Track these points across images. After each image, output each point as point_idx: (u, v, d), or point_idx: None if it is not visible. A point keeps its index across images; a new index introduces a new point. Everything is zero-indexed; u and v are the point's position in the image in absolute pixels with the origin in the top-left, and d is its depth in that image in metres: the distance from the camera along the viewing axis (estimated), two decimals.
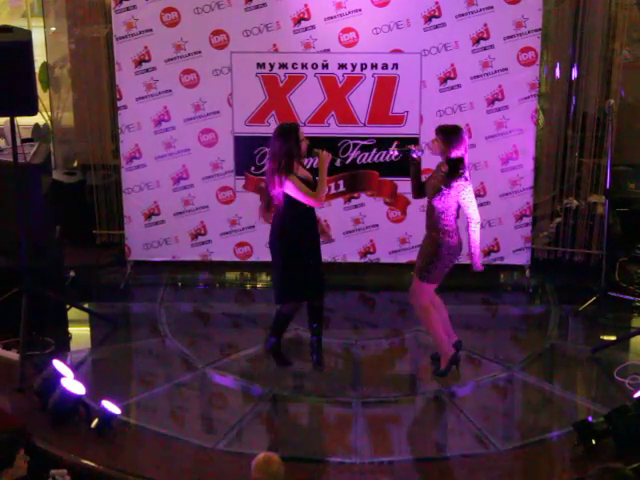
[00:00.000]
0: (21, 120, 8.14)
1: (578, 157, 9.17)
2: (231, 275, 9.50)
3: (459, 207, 7.38)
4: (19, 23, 10.23)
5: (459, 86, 8.78)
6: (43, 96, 9.59)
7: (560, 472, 6.92)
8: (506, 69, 8.73)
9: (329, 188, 8.74)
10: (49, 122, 10.09)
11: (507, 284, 9.31)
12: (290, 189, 7.32)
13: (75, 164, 10.10)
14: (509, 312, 9.06)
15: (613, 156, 8.55)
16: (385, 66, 8.75)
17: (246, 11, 8.71)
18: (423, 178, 7.67)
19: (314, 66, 8.77)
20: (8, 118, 7.74)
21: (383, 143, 8.64)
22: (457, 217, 7.44)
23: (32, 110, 7.61)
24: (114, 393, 7.31)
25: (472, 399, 7.68)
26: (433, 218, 7.43)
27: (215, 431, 7.29)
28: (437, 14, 8.64)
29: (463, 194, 7.31)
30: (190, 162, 9.06)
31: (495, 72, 8.74)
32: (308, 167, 8.08)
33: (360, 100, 8.81)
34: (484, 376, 7.87)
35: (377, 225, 9.15)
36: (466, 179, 7.33)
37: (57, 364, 7.22)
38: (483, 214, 8.86)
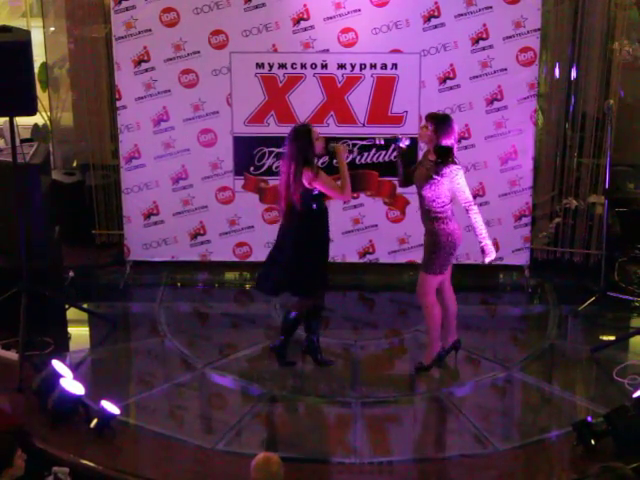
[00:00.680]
0: (20, 120, 8.13)
1: (577, 157, 9.16)
2: (230, 275, 9.50)
3: (448, 196, 7.36)
4: (18, 23, 10.23)
5: (458, 86, 8.78)
6: (42, 96, 9.59)
7: (559, 472, 6.91)
8: (505, 69, 8.73)
9: None
10: (48, 122, 10.08)
11: (506, 284, 9.31)
12: (319, 184, 7.35)
13: (74, 164, 10.10)
14: (508, 312, 9.07)
15: (612, 156, 8.55)
16: (384, 66, 8.75)
17: (245, 11, 8.71)
18: None
19: (313, 66, 8.77)
20: (7, 118, 7.74)
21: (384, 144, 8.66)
22: (450, 203, 7.41)
23: (31, 110, 7.61)
24: (113, 393, 7.30)
25: (471, 399, 7.68)
26: (424, 208, 7.44)
27: (214, 431, 7.28)
28: (436, 14, 8.64)
29: (457, 179, 7.30)
30: (189, 162, 9.06)
31: (494, 72, 8.74)
32: (325, 165, 8.10)
33: (359, 100, 8.81)
34: (483, 376, 7.87)
35: (376, 225, 9.15)
36: (456, 164, 7.32)
37: (56, 364, 7.22)
38: (482, 214, 8.89)
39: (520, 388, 7.96)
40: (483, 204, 8.92)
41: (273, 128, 8.89)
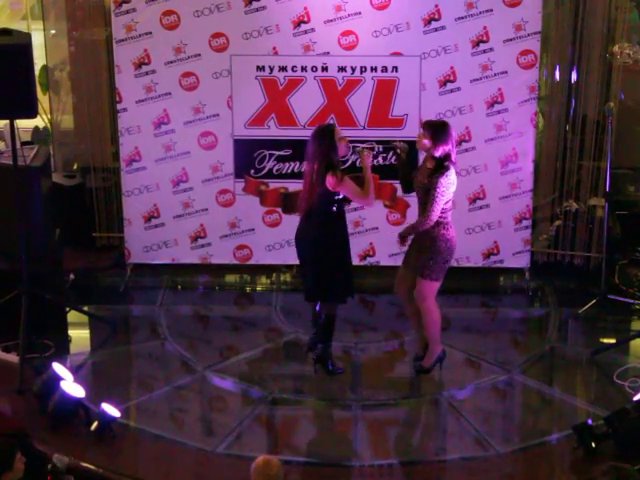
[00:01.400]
0: (21, 123, 8.13)
1: (578, 160, 9.16)
2: (231, 278, 9.50)
3: (449, 201, 7.35)
4: (19, 26, 10.21)
5: (459, 89, 8.79)
6: (43, 99, 9.60)
7: (560, 475, 6.92)
8: (506, 72, 8.73)
9: None
10: (49, 125, 10.09)
11: (507, 287, 9.31)
12: (344, 189, 7.33)
13: (75, 167, 10.09)
14: (509, 315, 9.06)
15: (613, 159, 8.54)
16: (385, 69, 8.76)
17: (246, 14, 8.72)
18: None
19: (314, 69, 8.77)
20: (8, 121, 7.73)
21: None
22: (450, 210, 7.41)
23: (32, 113, 7.61)
24: (114, 396, 7.30)
25: (472, 402, 7.66)
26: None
27: (215, 434, 7.28)
28: (437, 17, 8.65)
29: (439, 190, 7.21)
30: (190, 165, 9.06)
31: (495, 75, 8.75)
32: (348, 165, 8.11)
33: (360, 103, 8.81)
34: (484, 379, 7.86)
35: (377, 228, 9.16)
36: (447, 176, 7.25)
37: (57, 367, 7.22)
38: (483, 217, 8.94)
39: (521, 391, 7.95)
40: (484, 207, 8.93)
41: (274, 131, 8.90)
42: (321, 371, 7.74)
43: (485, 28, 8.65)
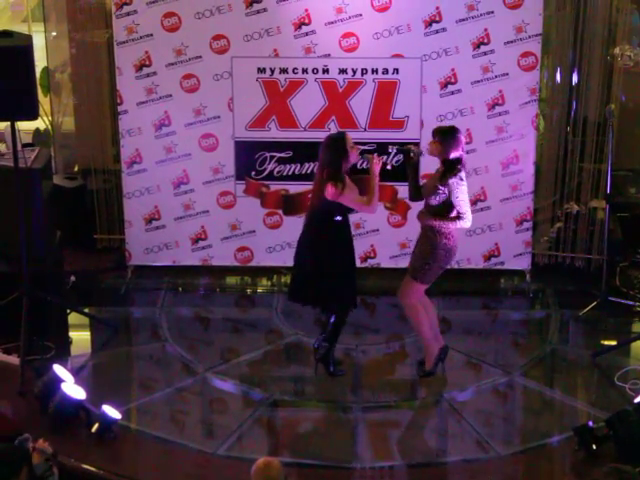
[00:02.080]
0: (22, 125, 8.13)
1: (578, 162, 9.16)
2: (231, 280, 9.50)
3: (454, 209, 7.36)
4: (20, 28, 10.21)
5: (460, 91, 8.79)
6: (44, 101, 9.59)
7: (560, 477, 6.92)
8: (507, 74, 8.74)
9: None
10: (50, 127, 10.09)
11: (508, 289, 9.31)
12: (345, 200, 7.32)
13: (76, 169, 10.10)
14: (509, 317, 9.05)
15: (614, 161, 8.55)
16: (386, 71, 8.76)
17: (247, 16, 8.72)
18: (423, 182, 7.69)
19: (315, 71, 8.78)
20: (9, 123, 7.73)
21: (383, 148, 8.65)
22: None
23: (33, 115, 7.62)
24: (114, 398, 7.30)
25: (473, 404, 7.66)
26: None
27: (215, 436, 7.28)
28: (438, 19, 8.65)
29: (457, 192, 7.28)
30: (191, 167, 9.06)
31: (496, 77, 8.75)
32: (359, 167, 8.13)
33: (361, 105, 8.82)
34: (484, 381, 7.86)
35: (377, 230, 9.16)
36: (461, 179, 7.31)
37: (57, 369, 7.22)
38: (484, 219, 8.93)
39: (521, 393, 7.95)
40: (484, 209, 8.93)
41: (274, 133, 8.90)
42: (321, 371, 7.74)
43: (486, 30, 8.65)
